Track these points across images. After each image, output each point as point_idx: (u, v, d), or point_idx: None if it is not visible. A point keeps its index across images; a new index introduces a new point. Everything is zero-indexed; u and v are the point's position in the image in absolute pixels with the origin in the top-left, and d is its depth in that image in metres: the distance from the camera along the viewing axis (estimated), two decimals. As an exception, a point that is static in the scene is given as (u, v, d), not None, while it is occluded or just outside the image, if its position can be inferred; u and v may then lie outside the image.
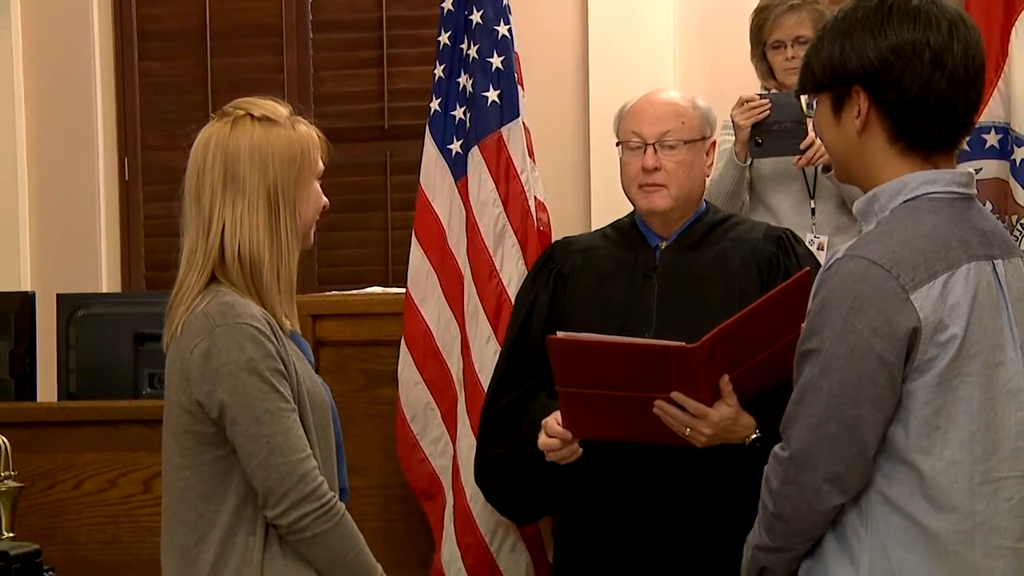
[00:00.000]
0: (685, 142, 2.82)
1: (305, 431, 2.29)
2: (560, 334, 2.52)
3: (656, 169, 2.80)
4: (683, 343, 2.43)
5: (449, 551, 3.35)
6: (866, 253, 1.97)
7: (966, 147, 3.21)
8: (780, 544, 2.08)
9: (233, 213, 2.31)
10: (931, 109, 2.01)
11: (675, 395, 2.48)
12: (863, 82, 2.02)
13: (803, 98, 2.20)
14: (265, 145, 2.33)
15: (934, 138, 2.04)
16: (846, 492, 2.00)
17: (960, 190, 2.05)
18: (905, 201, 2.03)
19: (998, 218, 3.17)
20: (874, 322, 1.94)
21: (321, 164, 2.42)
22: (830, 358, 1.97)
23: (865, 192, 2.09)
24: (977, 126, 3.20)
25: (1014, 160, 3.16)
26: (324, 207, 2.44)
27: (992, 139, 3.20)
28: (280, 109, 2.39)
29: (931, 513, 1.98)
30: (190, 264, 2.34)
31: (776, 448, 2.07)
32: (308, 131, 2.40)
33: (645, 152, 2.81)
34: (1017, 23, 3.16)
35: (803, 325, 2.05)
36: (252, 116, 2.36)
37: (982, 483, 1.99)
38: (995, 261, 2.03)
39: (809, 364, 2.00)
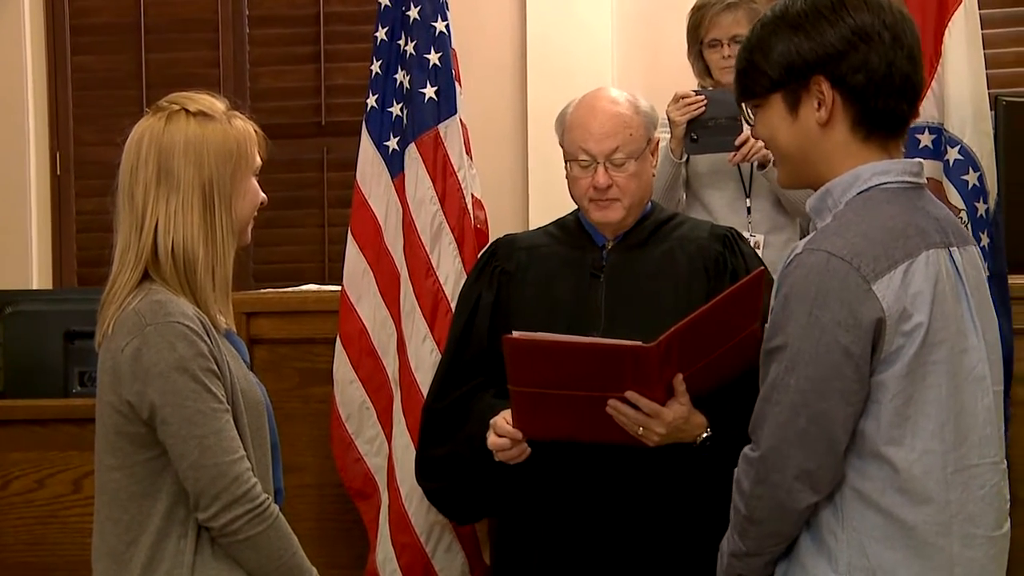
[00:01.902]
0: (634, 158, 2.79)
1: (239, 432, 2.27)
2: (516, 334, 2.50)
3: (608, 186, 2.79)
4: (640, 343, 2.42)
5: (384, 551, 3.33)
6: (826, 246, 1.97)
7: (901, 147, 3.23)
8: (754, 548, 2.07)
9: (167, 209, 2.28)
10: (897, 87, 2.02)
11: (629, 394, 2.47)
12: (825, 70, 2.01)
13: (743, 107, 2.16)
14: (200, 140, 2.30)
15: (898, 118, 2.05)
16: (818, 489, 1.99)
17: (911, 179, 2.06)
18: (859, 193, 2.03)
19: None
20: (838, 315, 1.94)
21: (258, 160, 2.39)
22: (796, 353, 1.96)
23: (816, 191, 2.09)
24: (912, 126, 3.22)
25: (947, 160, 3.18)
26: (262, 203, 2.41)
27: (926, 139, 3.22)
28: (216, 104, 2.36)
29: (907, 506, 1.98)
30: (122, 262, 2.30)
31: (746, 449, 2.06)
32: (245, 126, 2.37)
33: (596, 170, 2.79)
34: (950, 24, 3.18)
35: (765, 324, 2.05)
36: (187, 111, 2.33)
37: (955, 472, 1.99)
38: (951, 249, 2.04)
39: (775, 361, 1.99)
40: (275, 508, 2.29)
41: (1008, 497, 2.10)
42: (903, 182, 2.05)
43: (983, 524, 2.02)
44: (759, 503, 2.02)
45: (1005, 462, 2.10)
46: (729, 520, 2.11)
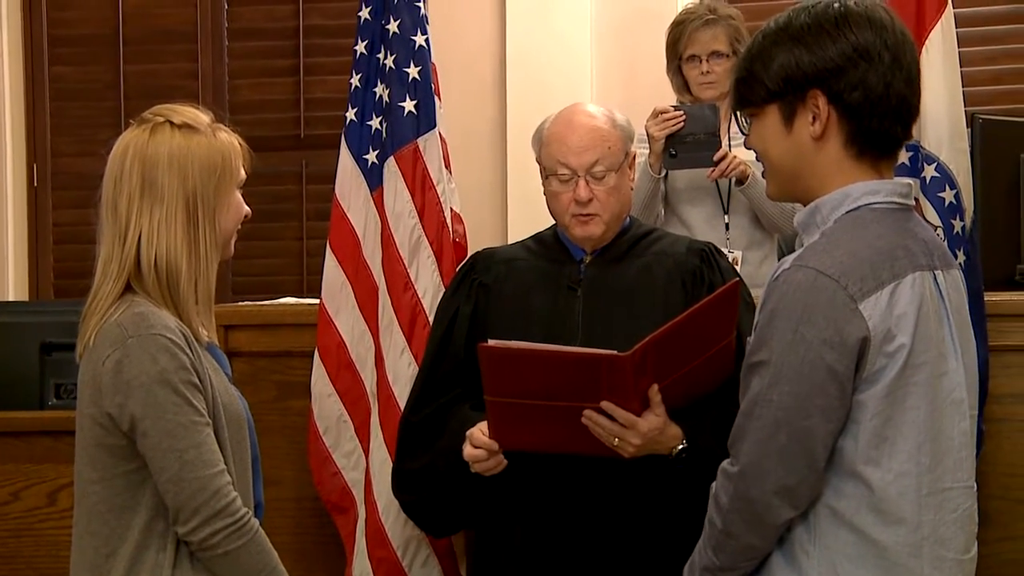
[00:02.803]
0: (614, 171, 2.80)
1: (220, 445, 2.26)
2: (491, 342, 2.50)
3: (589, 200, 2.79)
4: (615, 352, 2.42)
5: (361, 565, 3.32)
6: (814, 263, 1.97)
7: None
8: (728, 563, 2.07)
9: (150, 222, 2.28)
10: (892, 108, 2.02)
11: (605, 404, 2.47)
12: (823, 85, 2.02)
13: (737, 115, 2.16)
14: (185, 153, 2.30)
15: (891, 139, 2.06)
16: (796, 505, 1.99)
17: (900, 200, 2.07)
18: (848, 212, 2.03)
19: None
20: (824, 332, 1.94)
21: (243, 173, 2.38)
22: (780, 369, 1.96)
23: (805, 206, 2.09)
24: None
25: (924, 178, 3.20)
26: (246, 216, 2.41)
27: (903, 157, 3.22)
28: (201, 116, 2.36)
29: (879, 526, 1.98)
30: (105, 273, 2.30)
31: (724, 464, 2.05)
32: (229, 139, 2.37)
33: (576, 184, 2.79)
34: (927, 43, 3.20)
35: (749, 337, 2.05)
36: (172, 123, 2.32)
37: (929, 494, 1.99)
38: (936, 272, 2.04)
39: (758, 376, 1.99)
40: (255, 522, 2.28)
41: (977, 520, 2.10)
42: (892, 203, 2.05)
43: (953, 547, 2.02)
44: (737, 517, 2.02)
45: (975, 485, 2.11)
46: (702, 533, 2.12)
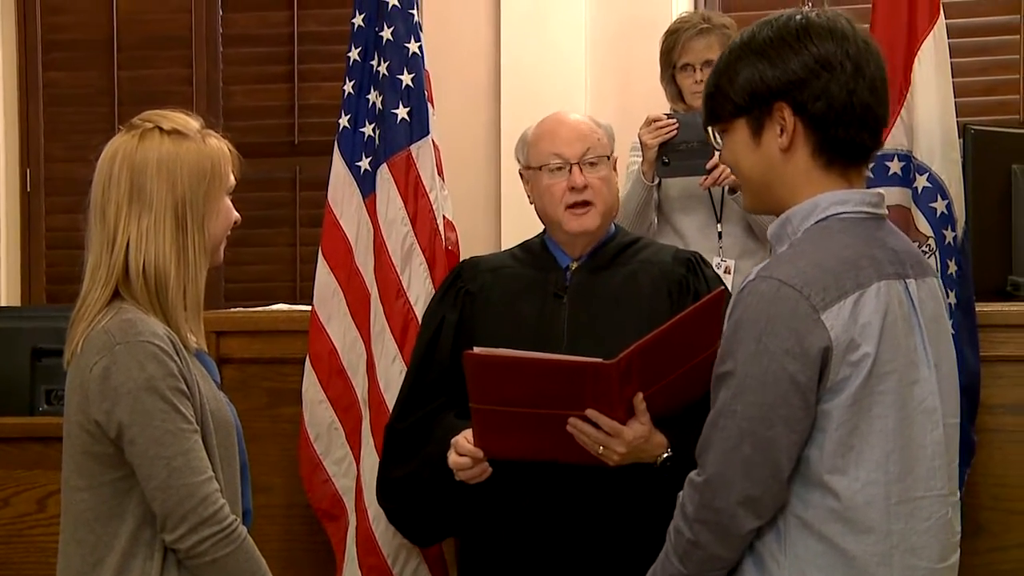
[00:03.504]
0: (607, 157, 2.85)
1: (208, 452, 2.25)
2: (477, 349, 2.51)
3: (585, 186, 2.81)
4: (600, 360, 2.43)
5: (351, 573, 3.31)
6: (777, 274, 1.98)
7: (870, 174, 3.24)
8: (695, 572, 2.07)
9: (139, 228, 2.27)
10: (857, 117, 2.04)
11: (590, 412, 2.47)
12: (788, 97, 2.03)
13: (709, 131, 2.18)
14: (174, 159, 2.29)
15: (858, 148, 2.07)
16: (761, 515, 2.00)
17: (870, 210, 2.08)
18: (817, 222, 2.05)
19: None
20: (786, 343, 1.95)
21: (232, 179, 2.38)
22: (743, 380, 1.97)
23: (777, 217, 2.10)
24: (880, 153, 3.23)
25: (916, 188, 3.20)
26: (236, 223, 2.40)
27: (895, 166, 3.24)
28: (191, 122, 2.35)
29: (848, 535, 1.98)
30: (93, 279, 2.29)
31: (691, 474, 2.06)
32: (219, 145, 2.36)
33: (571, 172, 2.81)
34: (920, 53, 3.21)
35: (719, 347, 2.06)
36: (161, 129, 2.32)
37: (899, 503, 1.99)
38: (907, 280, 2.05)
39: (724, 387, 2.00)
40: (243, 530, 2.27)
41: (959, 529, 2.10)
42: (861, 212, 2.06)
43: (926, 556, 2.02)
44: (703, 527, 2.03)
45: (958, 494, 2.11)
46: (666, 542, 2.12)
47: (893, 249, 2.06)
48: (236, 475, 2.35)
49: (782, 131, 2.05)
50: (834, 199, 2.05)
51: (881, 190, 3.15)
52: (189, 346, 2.30)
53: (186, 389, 2.24)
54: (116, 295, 2.28)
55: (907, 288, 2.04)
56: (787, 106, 2.03)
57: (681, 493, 2.08)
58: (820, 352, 1.95)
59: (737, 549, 2.03)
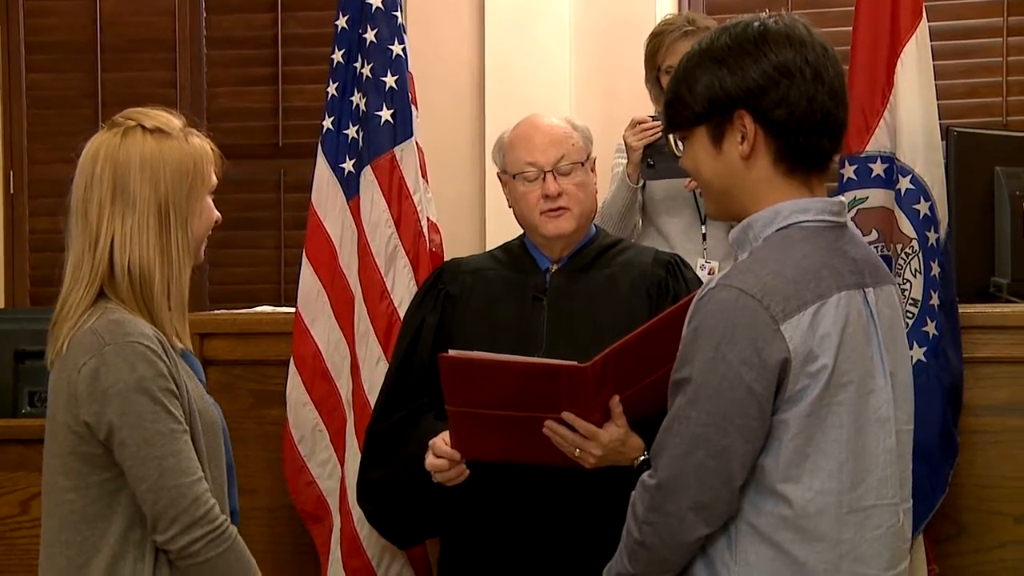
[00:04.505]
0: (581, 163, 2.84)
1: (196, 452, 2.25)
2: (452, 352, 2.51)
3: (559, 194, 2.81)
4: (575, 362, 2.43)
5: (335, 574, 3.31)
6: (738, 283, 1.98)
7: (853, 176, 3.26)
8: (641, 572, 2.08)
9: (122, 227, 2.26)
10: (818, 123, 2.04)
11: (566, 415, 2.47)
12: (748, 105, 2.03)
13: (671, 138, 2.18)
14: (157, 158, 2.29)
15: (819, 154, 2.06)
16: (711, 522, 2.01)
17: (831, 218, 2.08)
18: (778, 230, 2.05)
19: (883, 247, 3.22)
20: (744, 352, 1.95)
21: (215, 178, 2.38)
22: (700, 387, 1.98)
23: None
24: (864, 155, 3.25)
25: (899, 190, 3.20)
26: (216, 222, 2.40)
27: (878, 168, 3.24)
28: (173, 121, 2.35)
29: (798, 543, 1.99)
30: (75, 278, 2.28)
31: (644, 475, 2.07)
32: (202, 144, 2.36)
33: (544, 179, 2.82)
34: (903, 55, 3.21)
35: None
36: (144, 127, 2.31)
37: (849, 512, 2.00)
38: (866, 289, 2.05)
39: (681, 393, 2.01)
40: (233, 530, 2.27)
41: (908, 537, 2.12)
42: (822, 221, 2.06)
43: (875, 564, 2.03)
44: (651, 530, 2.03)
45: (910, 501, 2.12)
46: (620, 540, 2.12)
47: (853, 258, 2.06)
48: (223, 475, 2.35)
49: (743, 138, 2.05)
50: (795, 207, 2.05)
51: (864, 191, 3.24)
52: (175, 346, 2.30)
53: (175, 390, 2.24)
54: (100, 295, 2.27)
55: (866, 297, 2.05)
56: (748, 114, 2.03)
57: (633, 493, 2.08)
58: (778, 364, 1.95)
59: (684, 554, 2.04)
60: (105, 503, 2.24)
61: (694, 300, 2.06)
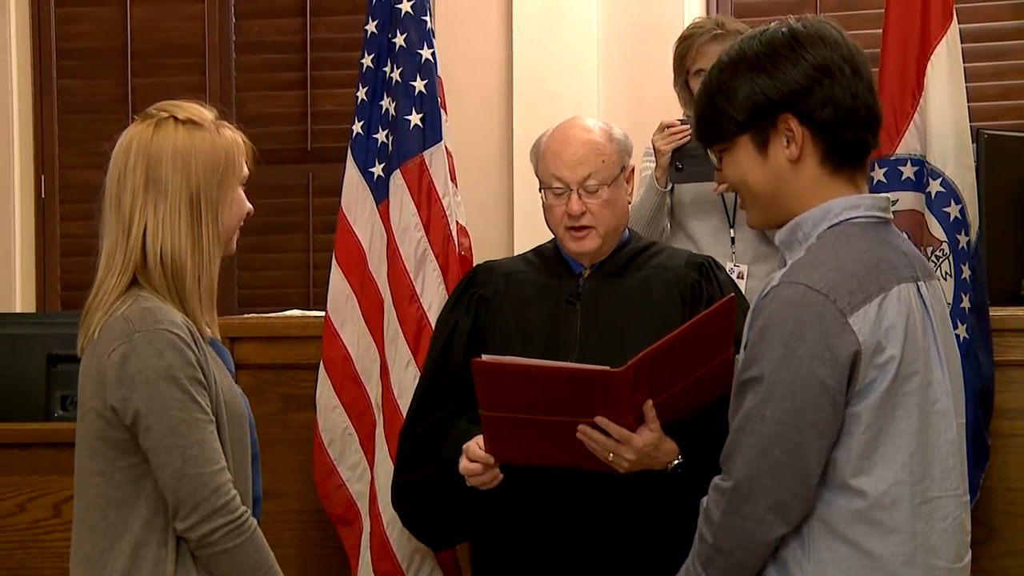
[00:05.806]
0: (607, 185, 2.80)
1: (221, 442, 2.27)
2: (485, 357, 2.51)
3: (582, 213, 2.80)
4: (608, 367, 2.42)
5: (365, 578, 3.32)
6: (802, 279, 1.99)
7: (883, 179, 3.25)
8: None
9: (155, 216, 2.28)
10: (862, 118, 2.06)
11: (599, 420, 2.46)
12: (792, 107, 2.04)
13: (708, 152, 2.18)
14: (188, 148, 2.31)
15: (864, 147, 2.08)
16: (789, 521, 2.00)
17: (880, 214, 2.09)
18: (830, 227, 2.06)
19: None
20: (815, 348, 1.95)
21: (246, 169, 2.39)
22: (772, 386, 1.97)
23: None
24: (894, 158, 3.25)
25: (929, 193, 3.19)
26: (248, 213, 2.42)
27: (908, 171, 3.23)
28: (205, 113, 2.37)
29: (874, 536, 1.98)
30: (109, 266, 2.30)
31: (716, 479, 2.06)
32: (233, 136, 2.38)
33: (569, 197, 2.80)
34: (933, 57, 3.20)
35: (738, 353, 2.06)
36: (176, 118, 2.33)
37: (921, 503, 2.00)
38: (919, 283, 2.06)
39: (751, 392, 2.00)
40: (253, 521, 2.28)
41: (969, 530, 2.11)
42: (872, 217, 2.08)
43: (945, 556, 2.03)
44: (728, 533, 2.02)
45: (968, 495, 2.11)
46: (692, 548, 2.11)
47: (903, 252, 2.08)
48: (247, 465, 2.36)
49: (789, 142, 2.05)
50: (847, 204, 2.06)
51: (895, 194, 3.23)
52: (205, 335, 2.32)
53: (203, 379, 2.25)
54: (134, 283, 2.29)
55: (919, 290, 2.05)
56: (793, 116, 2.04)
57: (705, 499, 2.07)
58: (850, 356, 1.96)
59: (761, 557, 2.03)
60: (130, 488, 2.25)
61: (756, 300, 2.06)
